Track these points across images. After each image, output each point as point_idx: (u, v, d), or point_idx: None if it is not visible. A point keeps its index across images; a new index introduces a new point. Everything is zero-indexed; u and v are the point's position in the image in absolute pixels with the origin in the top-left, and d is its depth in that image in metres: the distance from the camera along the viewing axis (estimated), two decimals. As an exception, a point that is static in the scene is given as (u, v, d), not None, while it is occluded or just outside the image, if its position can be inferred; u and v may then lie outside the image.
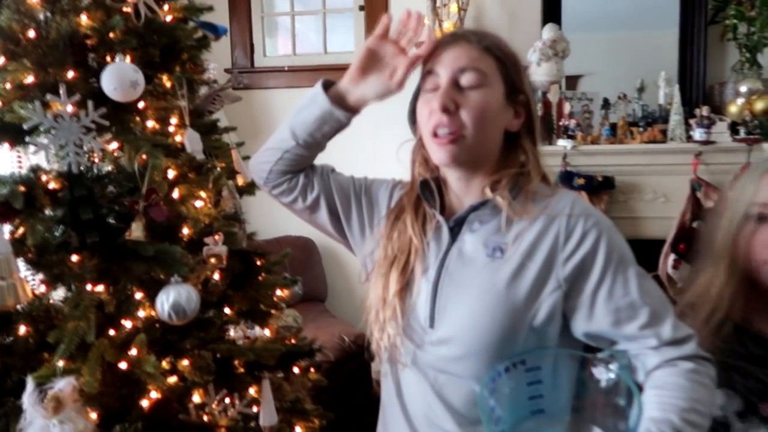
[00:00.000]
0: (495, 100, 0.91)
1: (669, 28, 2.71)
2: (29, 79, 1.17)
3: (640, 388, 0.84)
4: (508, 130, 0.95)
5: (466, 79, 0.90)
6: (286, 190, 1.04)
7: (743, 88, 2.38)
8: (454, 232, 0.95)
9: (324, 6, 3.15)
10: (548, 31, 2.65)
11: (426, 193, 0.98)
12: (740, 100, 2.37)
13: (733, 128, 2.35)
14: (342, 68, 2.91)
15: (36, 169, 1.16)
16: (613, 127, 2.52)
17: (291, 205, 1.06)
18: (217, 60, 1.58)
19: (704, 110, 2.34)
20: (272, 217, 3.01)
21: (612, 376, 0.83)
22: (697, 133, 2.32)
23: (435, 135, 0.90)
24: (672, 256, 2.33)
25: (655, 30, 2.82)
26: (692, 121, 2.37)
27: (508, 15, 2.84)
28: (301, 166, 1.04)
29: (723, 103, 2.48)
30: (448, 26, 2.78)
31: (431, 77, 0.92)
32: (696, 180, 2.32)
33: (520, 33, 2.77)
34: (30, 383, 0.99)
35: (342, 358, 2.42)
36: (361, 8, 3.04)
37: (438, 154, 0.92)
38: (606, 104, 2.66)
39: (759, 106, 2.32)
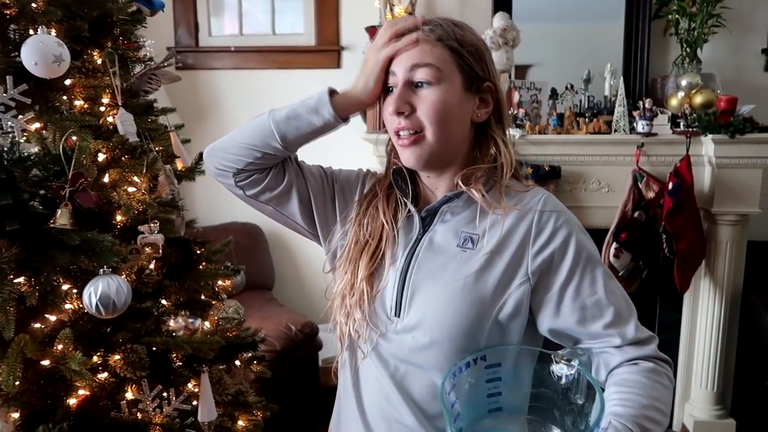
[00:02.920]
0: (452, 95, 0.89)
1: (615, 21, 2.76)
2: (-60, 51, 1.07)
3: (601, 386, 0.84)
4: (475, 121, 0.93)
5: (419, 76, 0.88)
6: (253, 182, 0.98)
7: (683, 82, 2.44)
8: (426, 222, 0.95)
9: (273, -15, 3.05)
10: (499, 20, 2.65)
11: (399, 181, 0.97)
12: (680, 94, 2.43)
13: (674, 121, 2.42)
14: (290, 50, 2.88)
15: (-53, 150, 1.06)
16: (561, 117, 2.55)
17: (257, 196, 1.00)
18: (160, 38, 1.49)
19: (647, 103, 2.39)
20: (217, 203, 2.93)
21: (572, 373, 0.82)
22: (640, 125, 2.37)
23: (398, 137, 0.90)
24: (614, 245, 2.39)
25: (602, 22, 2.87)
26: (635, 113, 2.42)
27: (460, 2, 2.83)
28: (276, 162, 0.99)
29: (665, 96, 2.55)
30: (400, 10, 2.74)
31: (391, 76, 0.90)
32: (638, 171, 2.38)
33: (471, 20, 2.69)
34: (-61, 383, 0.91)
35: (288, 347, 2.38)
36: (311, -11, 2.96)
37: (403, 156, 0.91)
38: (554, 94, 2.69)
39: (698, 99, 2.39)
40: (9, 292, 1.02)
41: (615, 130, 2.46)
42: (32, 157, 1.13)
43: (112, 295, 1.03)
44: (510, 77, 2.71)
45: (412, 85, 0.89)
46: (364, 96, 0.92)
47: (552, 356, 0.85)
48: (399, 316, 0.91)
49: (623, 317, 0.88)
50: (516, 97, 2.64)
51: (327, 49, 2.95)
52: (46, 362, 1.02)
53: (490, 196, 0.91)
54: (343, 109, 0.93)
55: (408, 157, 0.91)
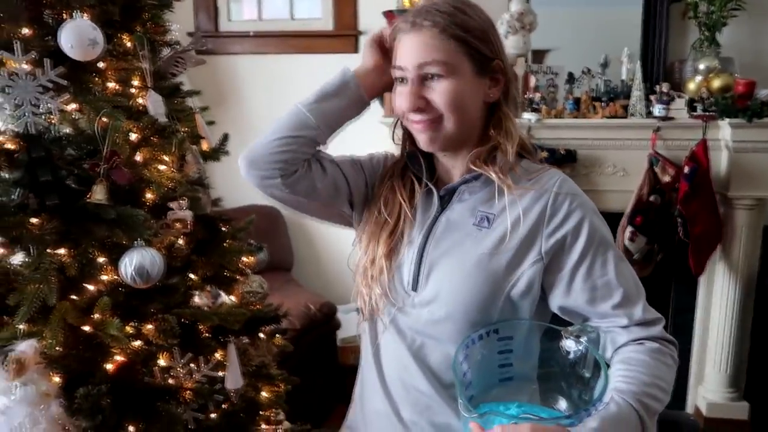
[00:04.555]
0: (465, 82, 0.92)
1: (633, 4, 2.75)
2: (-19, 35, 1.13)
3: (607, 363, 0.88)
4: (487, 102, 0.96)
5: (430, 71, 0.90)
6: (299, 178, 0.99)
7: (701, 66, 2.44)
8: (444, 200, 0.99)
9: (291, -30, 3.08)
10: (516, 4, 2.66)
11: (414, 163, 1.01)
12: (698, 78, 2.43)
13: (691, 105, 2.42)
14: (308, 35, 2.93)
15: (-9, 129, 1.12)
16: (577, 101, 2.56)
17: (305, 193, 1.01)
18: (180, 23, 1.53)
19: (664, 87, 2.40)
20: (237, 186, 2.97)
21: (580, 348, 0.87)
22: (657, 109, 2.38)
23: (414, 121, 0.93)
24: (629, 229, 2.41)
25: (620, 6, 2.86)
26: (652, 97, 2.43)
27: (477, -15, 2.84)
28: (314, 150, 1.02)
29: (682, 80, 2.55)
30: (417, -5, 2.76)
31: (398, 69, 0.93)
32: (654, 155, 2.39)
33: (487, 4, 2.76)
34: (-9, 346, 0.98)
35: (307, 326, 2.44)
36: (329, -26, 2.98)
37: (420, 139, 0.95)
38: (571, 78, 2.70)
39: (716, 84, 2.39)
40: (50, 262, 1.08)
41: (631, 114, 2.47)
42: (68, 137, 1.19)
43: (147, 266, 1.09)
44: (527, 61, 2.72)
45: (423, 79, 0.91)
46: (367, 67, 0.98)
47: (562, 332, 0.90)
48: (416, 291, 0.96)
49: (631, 299, 0.91)
50: (533, 81, 2.65)
51: (345, 34, 2.98)
52: (86, 328, 1.09)
53: (508, 176, 0.94)
54: (363, 84, 0.97)
55: (425, 141, 0.95)
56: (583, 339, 0.88)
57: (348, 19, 2.98)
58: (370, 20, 2.94)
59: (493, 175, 0.93)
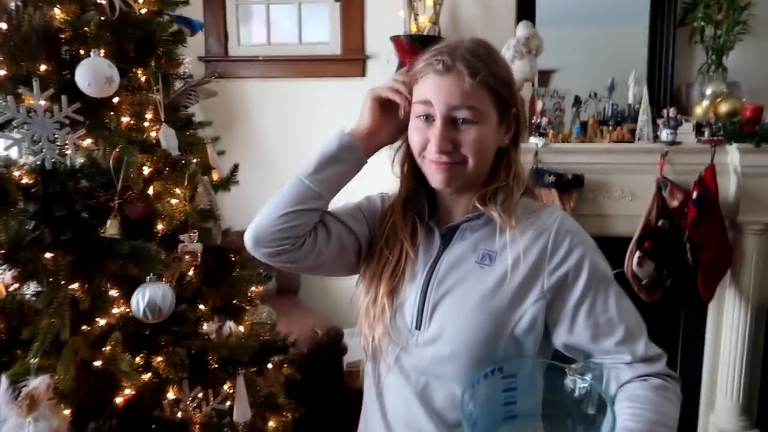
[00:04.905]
0: (490, 130, 0.93)
1: (640, 26, 2.77)
2: (2, 72, 1.15)
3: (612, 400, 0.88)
4: (500, 147, 0.97)
5: (461, 115, 0.90)
6: (307, 248, 0.98)
7: (708, 91, 2.45)
8: (446, 238, 0.99)
9: (300, -4, 3.13)
10: (522, 29, 2.68)
11: (416, 201, 1.00)
12: (705, 102, 2.44)
13: (698, 129, 2.43)
14: (317, 59, 2.94)
15: (8, 164, 1.14)
16: (584, 125, 2.57)
17: (315, 260, 1.00)
18: (191, 48, 1.55)
19: (671, 111, 2.40)
20: (242, 210, 3.00)
21: (585, 386, 0.87)
22: (664, 134, 2.38)
23: (437, 162, 0.92)
24: (637, 254, 2.40)
25: (627, 27, 2.88)
26: (659, 121, 2.44)
27: (483, 10, 2.86)
28: (318, 218, 1.00)
29: (689, 105, 2.55)
30: (424, 20, 2.79)
31: (424, 105, 0.92)
32: (662, 179, 2.39)
33: (494, 28, 2.80)
34: (4, 381, 0.99)
35: (314, 351, 2.44)
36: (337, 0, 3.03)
37: (435, 177, 0.94)
38: (577, 102, 2.71)
39: (723, 108, 2.40)
40: (64, 296, 1.09)
41: (639, 139, 2.47)
42: (83, 170, 1.20)
43: (159, 301, 1.10)
44: (533, 85, 2.74)
45: (453, 122, 0.91)
46: (365, 126, 0.97)
47: (566, 369, 0.90)
48: (420, 329, 0.96)
49: (634, 335, 0.92)
50: (539, 105, 2.67)
51: (352, 58, 3.01)
52: (97, 363, 1.10)
53: (508, 215, 0.94)
54: (361, 144, 0.97)
55: (441, 181, 0.94)
56: (588, 376, 0.88)
57: (355, 44, 3.02)
58: (378, 45, 2.97)
59: (495, 215, 0.94)
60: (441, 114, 0.90)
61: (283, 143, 3.08)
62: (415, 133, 0.94)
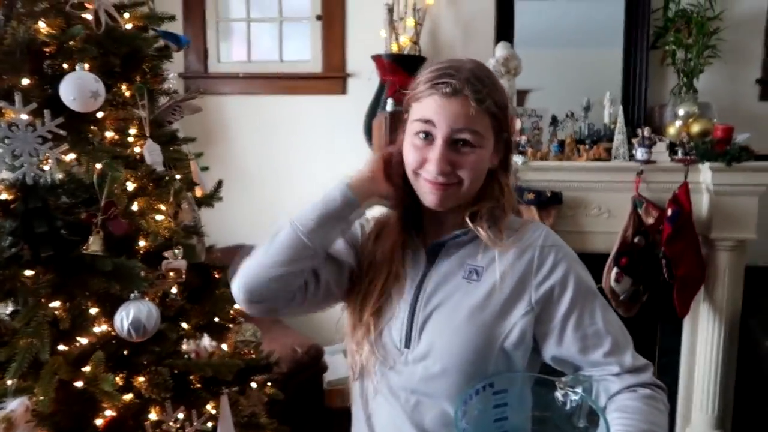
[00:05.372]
0: (487, 154, 0.95)
1: (614, 48, 2.86)
2: (-19, 86, 1.13)
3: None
4: (490, 168, 0.98)
5: (462, 137, 0.91)
6: (300, 299, 0.97)
7: (681, 111, 2.52)
8: (431, 256, 0.99)
9: (281, 14, 3.14)
10: (501, 49, 2.73)
11: (408, 220, 1.01)
12: (678, 123, 2.51)
13: (672, 149, 2.49)
14: (297, 77, 2.97)
15: (-13, 180, 1.11)
16: (561, 144, 2.62)
17: (308, 307, 0.99)
18: (170, 64, 1.54)
19: (646, 131, 2.46)
20: (225, 226, 2.98)
21: (576, 399, 0.87)
22: (639, 153, 2.44)
23: (429, 180, 0.93)
24: (614, 270, 2.44)
25: (602, 49, 2.96)
26: (634, 141, 2.50)
27: (463, 31, 2.92)
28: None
29: (663, 125, 2.63)
30: (405, 40, 2.83)
31: (425, 123, 0.92)
32: (637, 197, 2.45)
33: (474, 49, 2.85)
34: (-21, 404, 0.95)
35: (294, 370, 2.41)
36: (318, 18, 3.04)
37: (429, 197, 0.95)
38: (554, 121, 2.77)
39: (695, 128, 2.47)
40: (43, 315, 1.06)
41: (615, 158, 2.53)
42: (64, 186, 1.18)
43: (143, 320, 1.08)
44: (511, 105, 2.78)
45: (453, 143, 0.92)
46: (367, 177, 0.96)
47: (556, 383, 0.90)
48: (409, 347, 0.96)
49: (621, 346, 0.93)
50: (518, 124, 2.71)
51: (333, 76, 3.03)
52: (78, 383, 1.06)
53: (493, 231, 0.96)
54: (360, 195, 0.96)
55: (435, 201, 0.94)
56: (578, 389, 0.89)
57: (336, 62, 3.04)
58: (359, 63, 3.00)
59: (482, 233, 0.95)
60: (444, 136, 0.91)
61: (263, 159, 3.07)
62: (411, 151, 0.94)
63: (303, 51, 3.12)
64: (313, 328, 2.92)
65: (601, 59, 2.98)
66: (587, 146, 2.61)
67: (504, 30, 2.90)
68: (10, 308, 1.13)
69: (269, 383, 1.51)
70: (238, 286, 0.96)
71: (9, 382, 1.01)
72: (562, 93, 2.92)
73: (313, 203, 0.95)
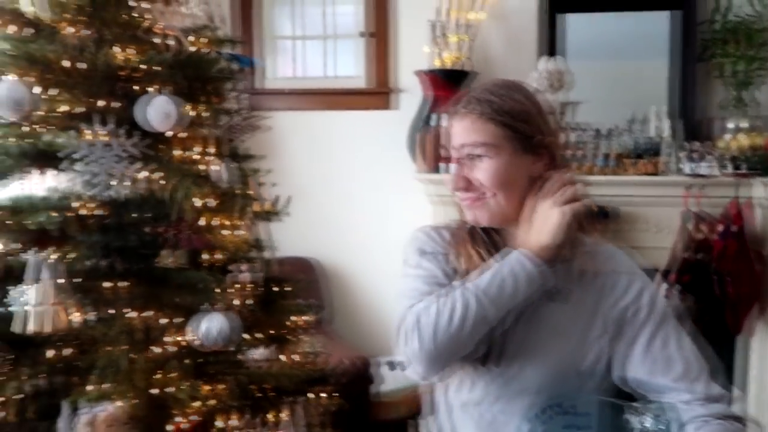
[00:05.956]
0: (506, 161, 0.95)
1: (661, 60, 2.83)
2: (65, 108, 1.20)
3: None
4: (533, 176, 0.96)
5: (473, 152, 0.95)
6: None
7: (730, 125, 2.49)
8: None
9: (327, 31, 3.21)
10: (546, 63, 2.74)
11: (476, 237, 1.01)
12: (728, 136, 2.47)
13: (721, 163, 2.45)
14: (343, 92, 3.03)
15: (70, 196, 1.18)
16: (607, 157, 2.60)
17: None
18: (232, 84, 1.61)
19: (695, 144, 2.43)
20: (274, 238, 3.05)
21: (645, 425, 0.87)
22: (688, 167, 2.41)
23: (461, 199, 0.97)
24: (664, 286, 2.41)
25: (649, 61, 2.93)
26: (682, 155, 2.47)
27: (508, 45, 2.93)
28: None
29: (712, 138, 2.59)
30: (448, 56, 2.86)
31: (451, 148, 0.98)
32: (687, 212, 2.41)
33: (519, 63, 2.87)
34: (65, 408, 1.01)
35: (342, 381, 2.43)
36: (365, 34, 3.11)
37: (468, 214, 0.98)
38: (598, 135, 2.75)
39: (745, 141, 2.43)
40: (122, 325, 1.12)
41: (663, 172, 2.50)
42: (140, 202, 1.24)
43: (216, 330, 1.13)
44: (554, 117, 2.78)
45: (469, 158, 0.95)
46: (545, 252, 0.91)
47: (626, 407, 0.89)
48: (488, 365, 0.96)
49: (693, 373, 0.91)
50: (562, 138, 2.70)
51: (379, 91, 3.08)
52: (155, 390, 1.12)
53: (570, 250, 0.94)
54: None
55: (471, 217, 0.98)
56: (648, 415, 0.89)
57: (382, 77, 3.09)
58: (404, 78, 3.04)
59: (568, 253, 0.95)
60: (455, 154, 0.97)
61: (310, 173, 3.13)
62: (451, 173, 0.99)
63: (350, 67, 3.19)
64: (360, 340, 2.95)
65: (647, 72, 2.96)
66: (634, 160, 2.59)
67: (550, 43, 2.91)
68: (91, 318, 1.18)
69: (326, 394, 1.54)
70: (421, 361, 0.90)
71: (90, 388, 1.06)
72: (608, 106, 2.90)
73: (506, 285, 0.90)
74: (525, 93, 0.99)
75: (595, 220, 1.03)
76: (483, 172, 0.95)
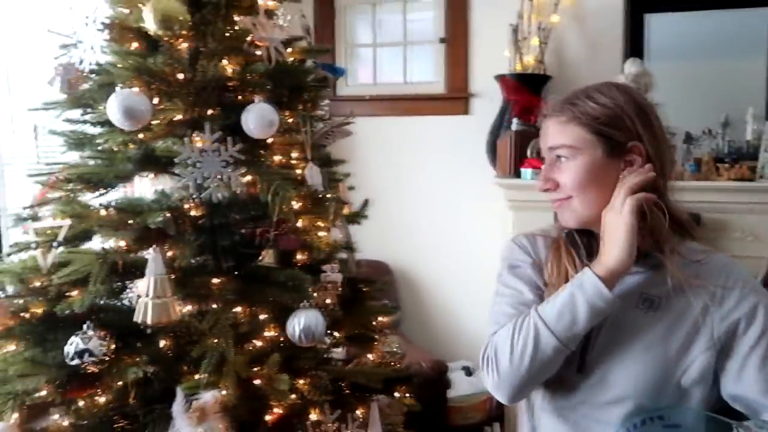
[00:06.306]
0: (591, 163, 0.95)
1: (756, 60, 2.69)
2: (178, 117, 1.30)
3: None
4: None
5: (558, 153, 0.98)
6: None
7: (837, 127, 2.33)
8: None
9: (405, 38, 3.26)
10: (631, 65, 2.66)
11: (572, 239, 1.01)
12: (834, 139, 2.31)
13: (827, 168, 2.30)
14: (421, 98, 3.11)
15: (181, 198, 1.27)
16: (698, 162, 2.50)
17: None
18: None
19: (796, 148, 2.30)
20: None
21: None
22: (789, 172, 2.28)
23: (550, 200, 1.00)
24: None
25: (740, 62, 2.79)
26: (783, 159, 2.33)
27: (589, 47, 2.88)
28: None
29: (815, 142, 2.43)
30: (529, 60, 2.84)
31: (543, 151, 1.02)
32: (788, 220, 2.28)
33: (600, 66, 2.80)
34: (179, 393, 1.09)
35: (419, 384, 2.46)
36: (442, 40, 3.13)
37: (558, 215, 1.01)
38: (689, 139, 2.64)
39: None
40: (226, 319, 1.20)
41: (760, 177, 2.37)
42: (242, 204, 1.32)
43: (313, 327, 1.19)
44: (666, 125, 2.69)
45: (556, 160, 0.98)
46: (623, 265, 0.90)
47: (733, 425, 0.87)
48: (582, 373, 0.96)
49: None
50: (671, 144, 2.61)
51: (456, 97, 3.10)
52: (257, 381, 1.19)
53: (674, 259, 0.93)
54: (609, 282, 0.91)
55: (561, 218, 1.01)
56: None
57: (460, 82, 3.10)
58: (482, 83, 3.05)
59: (661, 257, 0.93)
60: (544, 155, 1.00)
61: (387, 178, 3.19)
62: None
63: (427, 73, 3.22)
64: (436, 344, 2.98)
65: (741, 72, 2.81)
66: (727, 165, 2.46)
67: (634, 45, 2.83)
68: (198, 310, 1.27)
69: (408, 395, 1.58)
70: (503, 392, 0.95)
71: (201, 377, 1.14)
72: (697, 108, 2.79)
73: (578, 313, 0.90)
74: (627, 96, 0.97)
75: (688, 222, 0.99)
76: (566, 174, 0.96)
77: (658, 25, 2.89)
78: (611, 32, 2.85)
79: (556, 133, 0.97)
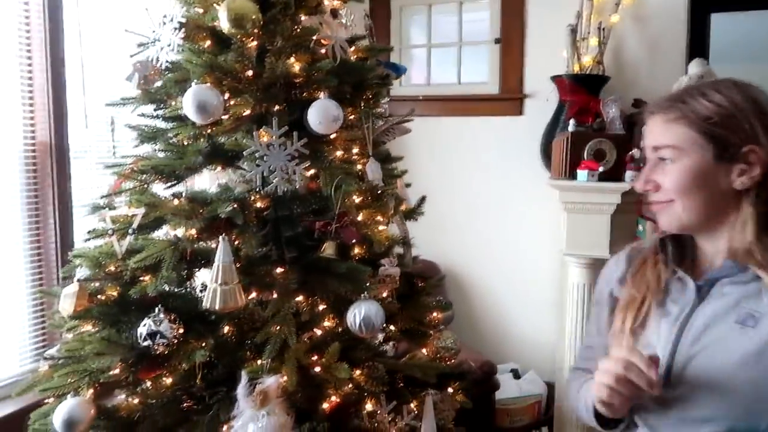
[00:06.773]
0: (696, 167, 0.90)
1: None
2: (246, 112, 1.35)
3: None
4: (738, 189, 0.91)
5: (662, 154, 0.93)
6: None
7: None
8: (702, 291, 0.93)
9: (460, 39, 3.26)
10: (695, 66, 2.58)
11: (666, 246, 0.99)
12: None
13: None
14: (474, 99, 3.12)
15: (249, 190, 1.32)
16: None
17: None
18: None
19: None
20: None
21: None
22: None
23: (648, 202, 0.96)
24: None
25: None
26: None
27: (650, 48, 2.81)
28: None
29: None
30: (588, 60, 2.79)
31: (644, 150, 0.98)
32: None
33: (663, 67, 2.74)
34: (244, 377, 1.13)
35: (468, 385, 2.46)
36: (497, 41, 3.12)
37: (657, 219, 0.97)
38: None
39: None
40: (288, 307, 1.24)
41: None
42: (305, 197, 1.36)
43: (373, 317, 1.21)
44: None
45: (659, 161, 0.94)
46: (608, 412, 0.92)
47: None
48: (668, 386, 0.91)
49: None
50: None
51: (510, 98, 3.08)
52: (317, 369, 1.22)
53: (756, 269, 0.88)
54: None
55: (659, 223, 0.96)
56: None
57: (513, 83, 3.08)
58: (536, 84, 3.02)
59: (761, 272, 0.88)
60: (647, 153, 0.95)
61: (440, 177, 3.19)
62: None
63: (480, 73, 3.21)
64: (484, 346, 2.96)
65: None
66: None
67: (697, 45, 2.75)
68: (261, 298, 1.32)
69: (461, 392, 1.59)
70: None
71: (264, 362, 1.18)
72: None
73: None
74: (746, 95, 0.90)
75: None
76: (668, 176, 0.92)
77: (719, 25, 2.80)
78: (673, 32, 2.78)
79: (661, 132, 0.92)
